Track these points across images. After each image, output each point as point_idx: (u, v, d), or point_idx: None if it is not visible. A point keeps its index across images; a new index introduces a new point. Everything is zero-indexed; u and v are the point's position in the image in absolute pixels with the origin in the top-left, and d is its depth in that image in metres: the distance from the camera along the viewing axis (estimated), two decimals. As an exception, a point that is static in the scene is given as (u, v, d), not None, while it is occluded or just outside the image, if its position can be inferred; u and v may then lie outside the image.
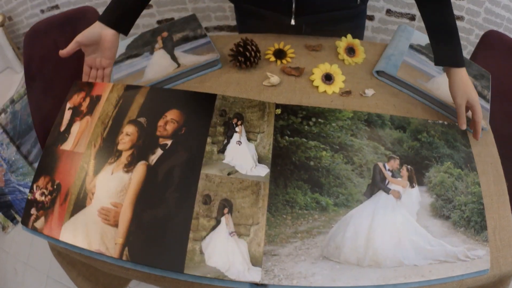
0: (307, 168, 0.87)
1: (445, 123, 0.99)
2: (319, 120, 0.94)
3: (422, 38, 1.20)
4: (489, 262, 0.79)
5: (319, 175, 0.87)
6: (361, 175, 0.88)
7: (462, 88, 0.95)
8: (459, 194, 0.87)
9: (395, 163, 0.90)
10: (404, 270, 0.78)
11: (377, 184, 0.87)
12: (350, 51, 1.17)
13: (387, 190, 0.86)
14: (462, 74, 0.95)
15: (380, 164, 0.90)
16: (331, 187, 0.86)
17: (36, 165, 2.02)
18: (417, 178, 0.89)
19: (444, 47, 0.97)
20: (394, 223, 0.82)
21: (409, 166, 0.90)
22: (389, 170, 0.89)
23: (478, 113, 0.95)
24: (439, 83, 1.08)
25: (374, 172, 0.89)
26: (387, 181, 0.88)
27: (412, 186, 0.88)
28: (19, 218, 2.03)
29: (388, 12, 2.08)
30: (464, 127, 0.96)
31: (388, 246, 0.80)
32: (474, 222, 0.84)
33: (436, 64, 0.98)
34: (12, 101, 1.95)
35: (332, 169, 0.88)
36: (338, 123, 0.94)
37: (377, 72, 1.13)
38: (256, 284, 0.74)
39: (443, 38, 0.97)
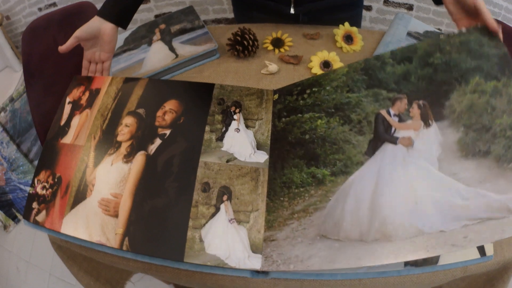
0: (302, 143, 0.81)
1: (463, 30, 0.78)
2: (313, 89, 0.86)
3: (420, 26, 1.19)
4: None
5: (315, 147, 0.79)
6: (361, 132, 0.75)
7: None
8: (500, 114, 0.65)
9: (401, 104, 0.74)
10: (426, 240, 0.59)
11: (380, 136, 0.72)
12: (348, 39, 1.16)
13: (395, 140, 0.70)
14: None
15: (383, 112, 0.75)
16: (327, 155, 0.76)
17: (36, 163, 2.02)
18: (434, 112, 0.70)
19: None
20: (406, 180, 0.65)
21: (421, 101, 0.72)
22: (394, 115, 0.73)
23: (487, 13, 0.75)
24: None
25: (376, 123, 0.74)
26: (393, 129, 0.72)
27: (428, 125, 0.69)
28: (20, 217, 2.03)
29: (386, 2, 2.07)
30: (495, 24, 0.75)
31: (401, 212, 0.64)
32: None
33: None
34: (12, 100, 1.95)
35: (328, 136, 0.79)
36: (332, 84, 0.84)
37: (376, 59, 1.11)
38: (257, 272, 0.73)
39: None
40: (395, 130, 0.72)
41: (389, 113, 0.75)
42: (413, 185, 0.65)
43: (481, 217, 0.58)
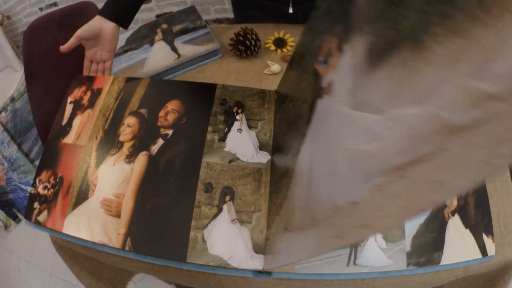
0: (283, 134, 0.78)
1: None
2: (288, 74, 0.80)
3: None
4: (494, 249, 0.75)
5: (287, 133, 0.74)
6: (305, 100, 0.62)
7: None
8: None
9: (325, 45, 0.53)
10: (339, 220, 0.39)
11: (315, 95, 0.55)
12: (350, 39, 1.16)
13: (320, 93, 0.52)
14: None
15: (316, 65, 0.56)
16: (292, 140, 0.67)
17: (37, 162, 2.02)
18: (345, 31, 0.47)
19: None
20: (329, 138, 0.48)
21: (337, 29, 0.50)
22: (323, 62, 0.54)
23: None
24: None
25: (313, 82, 0.56)
26: (320, 79, 0.54)
27: (341, 51, 0.47)
28: (21, 217, 2.03)
29: (387, 2, 2.07)
30: None
31: (323, 183, 0.47)
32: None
33: None
34: (12, 99, 1.95)
35: (292, 118, 0.70)
36: (296, 60, 0.74)
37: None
38: (260, 272, 0.73)
39: None
40: (321, 79, 0.54)
41: (319, 63, 0.56)
42: (332, 142, 0.46)
43: (399, 163, 0.31)
